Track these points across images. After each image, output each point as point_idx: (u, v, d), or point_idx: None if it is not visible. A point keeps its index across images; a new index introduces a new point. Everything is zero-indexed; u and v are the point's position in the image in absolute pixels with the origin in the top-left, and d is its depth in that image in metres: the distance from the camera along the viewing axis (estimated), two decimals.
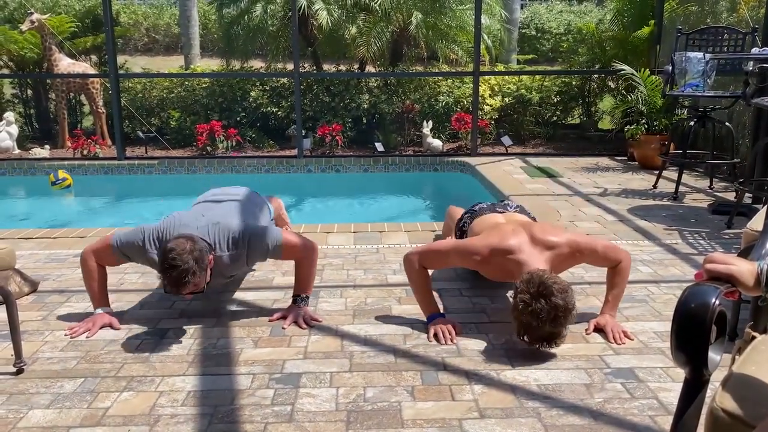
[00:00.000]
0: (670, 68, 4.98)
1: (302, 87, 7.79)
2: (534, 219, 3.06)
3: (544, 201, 4.77)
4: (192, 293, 2.38)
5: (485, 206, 3.07)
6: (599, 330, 2.49)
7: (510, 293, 2.24)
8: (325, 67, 9.88)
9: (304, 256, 2.63)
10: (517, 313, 2.22)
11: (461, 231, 3.09)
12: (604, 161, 6.67)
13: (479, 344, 2.41)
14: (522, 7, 14.21)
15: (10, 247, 2.93)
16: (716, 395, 1.19)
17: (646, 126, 6.22)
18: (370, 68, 9.12)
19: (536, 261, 2.39)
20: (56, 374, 2.20)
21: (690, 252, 3.52)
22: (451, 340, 2.42)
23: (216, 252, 2.49)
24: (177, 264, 2.25)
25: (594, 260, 2.58)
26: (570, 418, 1.90)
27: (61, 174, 6.34)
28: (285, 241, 2.58)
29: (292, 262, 2.71)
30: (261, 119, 8.27)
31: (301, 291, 2.68)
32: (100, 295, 2.63)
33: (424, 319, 2.56)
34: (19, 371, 2.21)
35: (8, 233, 4.03)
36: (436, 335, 2.44)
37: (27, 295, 2.97)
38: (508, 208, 3.06)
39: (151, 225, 2.58)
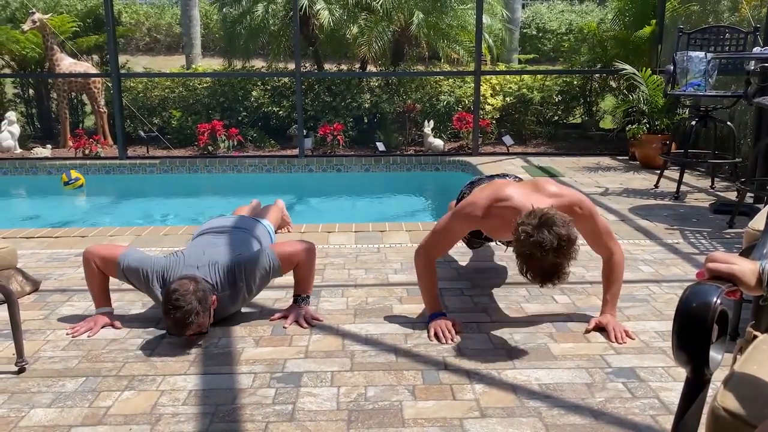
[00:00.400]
0: (672, 68, 4.97)
1: (303, 86, 7.80)
2: None
3: None
4: (195, 334, 2.38)
5: (484, 178, 3.03)
6: (600, 329, 2.48)
7: (512, 230, 2.16)
8: (327, 66, 9.88)
9: (302, 260, 2.63)
10: (519, 245, 2.13)
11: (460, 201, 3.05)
12: (606, 161, 6.67)
13: (480, 343, 2.41)
14: (523, 7, 14.20)
15: (11, 247, 2.94)
16: (718, 394, 1.19)
17: (647, 125, 6.21)
18: (371, 68, 9.12)
19: (535, 204, 2.28)
20: (58, 373, 2.21)
21: (691, 251, 3.52)
22: (451, 339, 2.41)
23: (218, 292, 2.49)
24: (180, 305, 2.25)
25: (588, 229, 2.46)
26: (571, 418, 1.90)
27: (74, 174, 6.30)
28: (280, 255, 2.57)
29: None
30: (262, 119, 8.28)
31: (301, 291, 2.68)
32: (101, 295, 2.63)
33: (426, 319, 2.56)
34: (21, 370, 2.21)
35: (10, 232, 4.04)
36: (436, 334, 2.44)
37: (28, 294, 2.97)
38: (507, 177, 2.99)
39: (158, 261, 2.58)
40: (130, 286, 2.64)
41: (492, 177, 3.03)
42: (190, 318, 2.27)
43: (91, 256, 2.58)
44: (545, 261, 2.09)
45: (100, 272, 2.60)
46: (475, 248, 3.40)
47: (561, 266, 2.12)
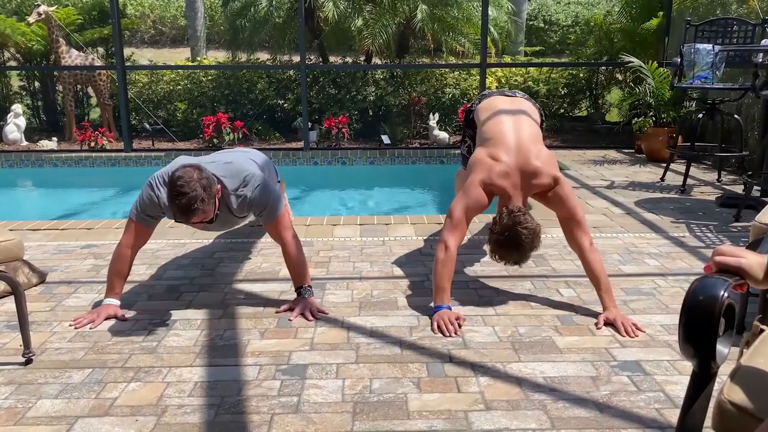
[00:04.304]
0: (679, 60, 4.94)
1: (308, 79, 7.78)
2: (539, 109, 3.07)
3: None
4: (201, 222, 2.38)
5: (494, 90, 3.13)
6: (609, 324, 2.48)
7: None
8: (331, 59, 9.86)
9: (289, 242, 2.62)
10: (494, 236, 2.54)
11: (468, 111, 3.15)
12: (612, 154, 6.65)
13: (485, 336, 2.41)
14: None
15: (18, 239, 2.95)
16: (724, 388, 1.19)
17: (653, 118, 6.18)
18: (376, 60, 9.10)
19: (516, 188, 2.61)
20: (64, 365, 2.22)
21: (697, 245, 3.51)
22: (455, 333, 2.42)
23: (224, 186, 2.48)
24: (185, 191, 2.24)
25: (563, 214, 2.66)
26: (576, 411, 1.90)
27: None
28: (282, 213, 2.60)
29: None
30: (267, 111, 8.27)
31: (300, 282, 2.67)
32: (114, 285, 2.63)
33: (430, 312, 2.57)
34: (28, 362, 2.22)
35: (16, 224, 4.05)
36: (439, 327, 2.44)
37: (35, 286, 2.99)
38: (517, 94, 3.10)
39: (157, 172, 2.57)
40: (136, 278, 2.65)
41: (502, 90, 3.30)
42: (195, 204, 2.25)
43: (119, 246, 2.59)
44: (515, 252, 2.52)
45: (130, 255, 2.59)
46: None
47: (527, 255, 2.56)
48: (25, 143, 7.69)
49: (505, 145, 2.66)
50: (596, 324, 2.49)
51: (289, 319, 2.57)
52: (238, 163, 2.60)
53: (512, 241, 2.46)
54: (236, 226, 2.81)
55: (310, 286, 2.69)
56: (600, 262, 2.59)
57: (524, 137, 2.69)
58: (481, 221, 3.91)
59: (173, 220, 2.42)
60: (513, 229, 2.45)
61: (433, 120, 7.54)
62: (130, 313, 2.65)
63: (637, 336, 2.39)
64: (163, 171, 2.55)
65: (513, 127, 2.76)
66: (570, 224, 2.63)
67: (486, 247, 2.57)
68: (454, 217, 2.62)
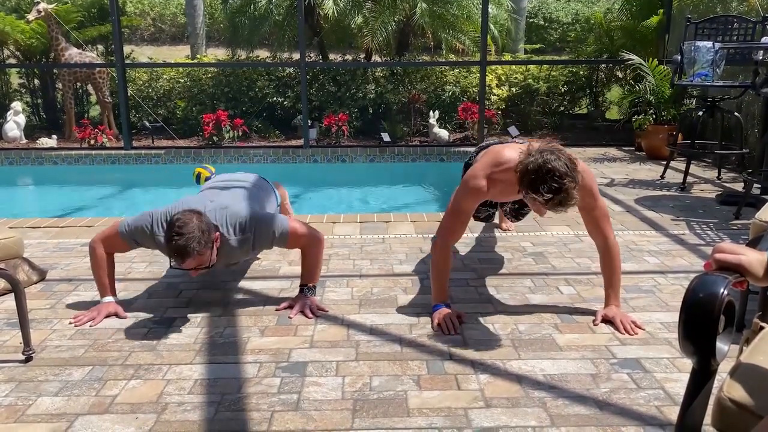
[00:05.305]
0: (679, 58, 4.94)
1: (308, 77, 7.77)
2: None
3: None
4: (197, 269, 2.36)
5: (495, 141, 2.94)
6: (608, 321, 2.48)
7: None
8: (331, 56, 9.85)
9: (309, 245, 2.63)
10: (525, 175, 2.10)
11: (467, 167, 2.97)
12: (612, 151, 6.64)
13: (485, 334, 2.41)
14: None
15: (18, 236, 2.95)
16: (724, 385, 1.19)
17: (654, 116, 6.18)
18: (376, 58, 9.09)
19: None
20: (64, 362, 2.22)
21: (697, 243, 3.51)
22: (455, 330, 2.42)
23: (223, 234, 2.48)
24: (183, 232, 2.24)
25: (585, 205, 2.41)
26: (576, 408, 1.90)
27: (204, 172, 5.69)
28: (291, 229, 2.58)
29: (298, 251, 2.72)
30: (267, 109, 8.27)
31: (307, 281, 2.68)
32: (107, 284, 2.64)
33: (430, 309, 2.57)
34: (28, 359, 2.22)
35: (16, 222, 4.05)
36: (440, 325, 2.44)
37: (35, 283, 2.99)
38: (517, 141, 2.94)
39: (159, 209, 2.58)
40: (137, 275, 2.65)
41: (501, 140, 3.01)
42: (192, 245, 2.24)
43: (95, 243, 2.60)
44: (551, 175, 2.05)
45: (108, 257, 2.60)
46: (482, 219, 3.30)
47: (567, 180, 2.07)
48: (24, 141, 7.68)
49: (510, 149, 2.47)
50: (594, 320, 2.49)
51: (289, 317, 2.57)
52: (233, 207, 2.57)
53: (550, 173, 2.05)
54: (242, 260, 2.80)
55: (314, 286, 2.70)
56: (618, 258, 2.53)
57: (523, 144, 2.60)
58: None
59: (170, 266, 2.41)
60: (545, 152, 2.10)
61: (433, 117, 7.54)
62: (130, 312, 2.65)
63: (636, 333, 2.39)
64: (167, 209, 2.55)
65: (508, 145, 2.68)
66: (593, 215, 2.46)
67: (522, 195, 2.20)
68: (452, 211, 2.52)
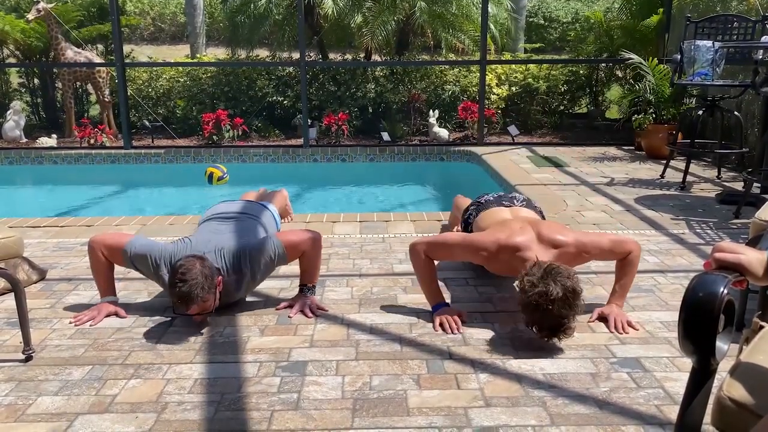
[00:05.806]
0: (679, 57, 4.94)
1: (308, 76, 7.77)
2: (541, 211, 3.05)
3: (550, 191, 4.76)
4: (200, 314, 2.39)
5: (492, 198, 3.04)
6: (603, 319, 2.48)
7: (517, 282, 2.24)
8: (331, 56, 9.85)
9: (308, 249, 2.63)
10: (524, 296, 2.17)
11: (466, 223, 3.08)
12: (611, 151, 6.64)
13: (485, 333, 2.41)
14: None
15: (18, 236, 2.95)
16: (724, 384, 1.19)
17: (653, 115, 6.18)
18: (376, 57, 9.08)
19: (542, 258, 2.37)
20: (64, 362, 2.22)
21: (697, 242, 3.51)
22: (457, 329, 2.42)
23: (224, 277, 2.50)
24: (186, 279, 2.27)
25: (602, 256, 2.55)
26: (576, 407, 1.90)
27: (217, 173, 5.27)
28: (286, 244, 2.58)
29: None
30: (267, 109, 8.26)
31: (307, 281, 2.68)
32: (106, 284, 2.64)
33: (430, 308, 2.57)
34: (28, 358, 2.22)
35: (16, 222, 4.05)
36: (441, 325, 2.44)
37: (35, 283, 2.99)
38: (515, 201, 3.02)
39: (166, 246, 2.59)
40: (137, 275, 2.65)
41: (500, 197, 3.06)
42: (196, 291, 2.27)
43: (96, 245, 2.59)
44: (552, 313, 2.13)
45: (107, 261, 2.60)
46: None
47: (567, 318, 2.16)
48: (24, 140, 7.68)
49: (519, 231, 2.52)
50: (590, 318, 2.49)
51: (289, 316, 2.57)
52: (228, 247, 2.58)
53: (552, 288, 2.12)
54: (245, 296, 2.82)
55: (314, 285, 2.70)
56: (637, 264, 2.54)
57: (530, 220, 2.68)
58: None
59: (173, 311, 2.45)
60: (549, 273, 2.16)
61: (433, 117, 7.53)
62: (130, 311, 2.65)
63: (627, 333, 2.39)
64: (174, 249, 2.56)
65: (513, 214, 2.83)
66: (603, 256, 2.55)
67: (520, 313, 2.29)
68: (445, 239, 2.61)
